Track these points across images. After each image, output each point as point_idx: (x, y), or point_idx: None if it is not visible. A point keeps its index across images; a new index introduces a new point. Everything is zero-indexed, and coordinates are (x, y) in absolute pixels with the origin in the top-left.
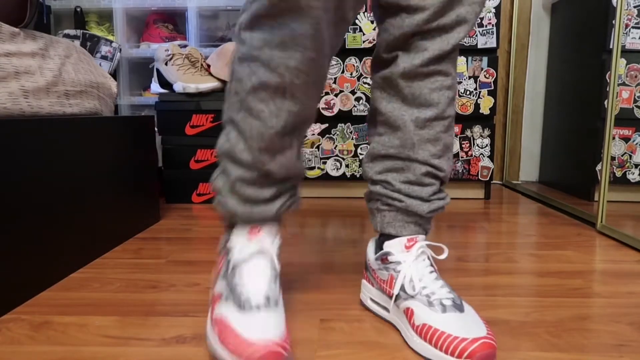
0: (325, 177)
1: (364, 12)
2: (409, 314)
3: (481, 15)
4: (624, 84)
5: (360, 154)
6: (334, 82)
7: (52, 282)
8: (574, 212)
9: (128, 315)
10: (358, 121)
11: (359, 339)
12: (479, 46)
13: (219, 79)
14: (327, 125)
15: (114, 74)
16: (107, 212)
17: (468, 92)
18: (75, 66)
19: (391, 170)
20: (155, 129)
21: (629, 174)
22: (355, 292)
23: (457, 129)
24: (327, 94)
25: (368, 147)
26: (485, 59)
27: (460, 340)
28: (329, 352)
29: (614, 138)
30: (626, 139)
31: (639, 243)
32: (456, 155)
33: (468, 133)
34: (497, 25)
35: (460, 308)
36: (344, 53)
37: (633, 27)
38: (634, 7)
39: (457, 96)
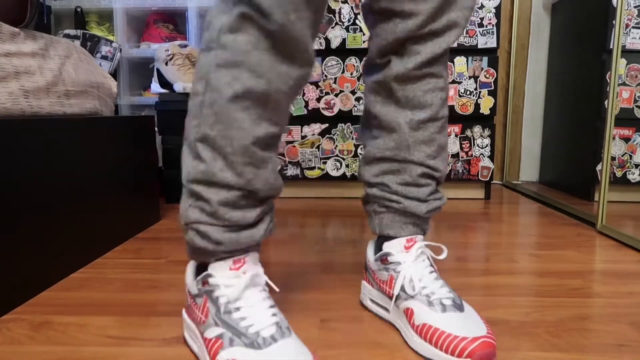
0: (325, 177)
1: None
2: (408, 314)
3: (481, 16)
4: (624, 84)
5: (360, 154)
6: (334, 82)
7: (52, 282)
8: (574, 212)
9: (128, 315)
10: (358, 121)
11: (359, 339)
12: (479, 46)
13: None
14: (327, 125)
15: (114, 74)
16: (107, 212)
17: (468, 92)
18: (75, 66)
19: (387, 172)
20: (155, 129)
21: (629, 174)
22: (355, 292)
23: (457, 129)
24: (327, 94)
25: (362, 150)
26: (485, 59)
27: (461, 339)
28: (329, 352)
29: (614, 138)
30: (626, 139)
31: (639, 243)
32: (456, 155)
33: (468, 133)
34: (497, 25)
35: (460, 308)
36: (344, 53)
37: (633, 27)
38: (634, 7)
39: (457, 96)
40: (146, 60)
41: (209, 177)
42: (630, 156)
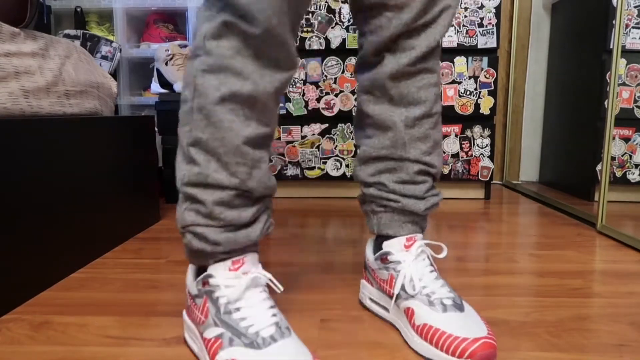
0: (325, 177)
1: None
2: (409, 313)
3: (481, 16)
4: (624, 84)
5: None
6: (334, 82)
7: (52, 282)
8: (574, 212)
9: (128, 315)
10: None
11: (359, 339)
12: (479, 46)
13: None
14: (327, 125)
15: (114, 74)
16: (107, 212)
17: (468, 92)
18: (75, 66)
19: (384, 171)
20: (155, 129)
21: (629, 174)
22: (355, 292)
23: (457, 129)
24: (327, 94)
25: (358, 151)
26: (485, 59)
27: (461, 340)
28: (329, 352)
29: (614, 138)
30: (626, 139)
31: (639, 243)
32: (456, 155)
33: (468, 133)
34: (497, 25)
35: (460, 308)
36: (344, 53)
37: (633, 27)
38: (634, 7)
39: (457, 96)
40: (146, 60)
41: (203, 178)
42: (630, 156)
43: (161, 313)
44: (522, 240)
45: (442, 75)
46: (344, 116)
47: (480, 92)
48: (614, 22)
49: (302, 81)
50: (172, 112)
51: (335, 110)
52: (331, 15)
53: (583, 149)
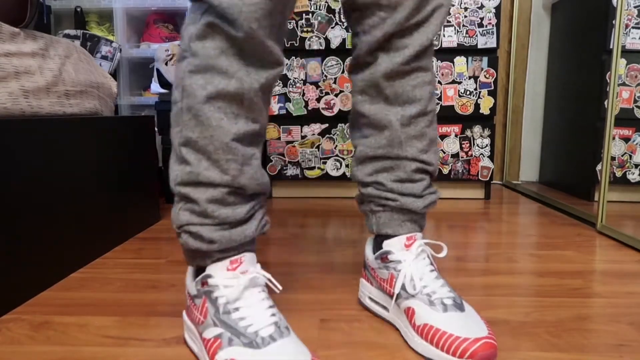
0: (325, 177)
1: None
2: (409, 313)
3: (481, 15)
4: (624, 84)
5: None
6: (334, 82)
7: (52, 282)
8: (574, 212)
9: (128, 315)
10: None
11: (359, 339)
12: (479, 46)
13: None
14: (327, 125)
15: (114, 74)
16: (107, 212)
17: (468, 92)
18: (75, 66)
19: (381, 170)
20: (155, 129)
21: (629, 174)
22: (355, 291)
23: (457, 129)
24: (327, 94)
25: (355, 151)
26: (485, 59)
27: (462, 340)
28: (329, 352)
29: (614, 138)
30: (626, 139)
31: (639, 243)
32: (456, 155)
33: (468, 133)
34: (497, 25)
35: (460, 307)
36: (344, 53)
37: (633, 27)
38: (634, 7)
39: (457, 96)
40: (146, 60)
41: (195, 177)
42: (630, 156)
43: (161, 313)
44: (522, 240)
45: (442, 75)
46: (344, 116)
47: (480, 92)
48: (614, 22)
49: (302, 81)
50: None
51: (335, 110)
52: (331, 15)
53: (583, 149)
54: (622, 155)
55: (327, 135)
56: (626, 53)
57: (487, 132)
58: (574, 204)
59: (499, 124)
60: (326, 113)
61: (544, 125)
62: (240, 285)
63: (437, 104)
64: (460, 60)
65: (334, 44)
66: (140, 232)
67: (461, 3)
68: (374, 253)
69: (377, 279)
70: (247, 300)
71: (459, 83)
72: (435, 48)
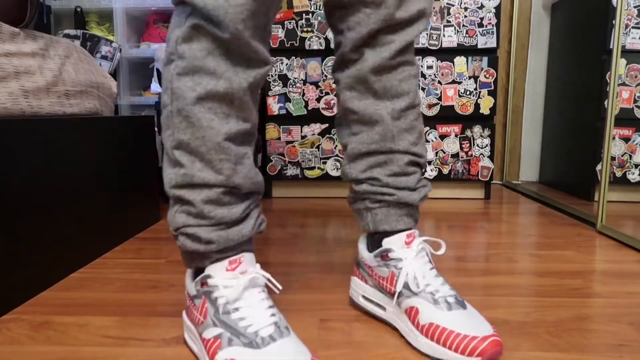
0: (325, 177)
1: None
2: (412, 313)
3: (481, 15)
4: (624, 84)
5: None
6: (335, 82)
7: (52, 282)
8: (574, 212)
9: (128, 315)
10: None
11: (359, 339)
12: (479, 46)
13: None
14: (327, 125)
15: (114, 74)
16: (107, 212)
17: (468, 92)
18: (75, 66)
19: (375, 165)
20: (155, 129)
21: (629, 174)
22: None
23: (457, 129)
24: (327, 94)
25: (346, 149)
26: (485, 59)
27: (471, 338)
28: (329, 352)
29: (614, 138)
30: (626, 139)
31: (639, 243)
32: (456, 155)
33: (468, 133)
34: (497, 25)
35: (463, 305)
36: None
37: (633, 27)
38: (634, 7)
39: (457, 96)
40: (146, 60)
41: (189, 179)
42: (630, 156)
43: (161, 313)
44: (522, 240)
45: (442, 75)
46: None
47: (480, 92)
48: (614, 22)
49: (302, 81)
50: None
51: (335, 110)
52: None
53: (583, 149)
54: (622, 155)
55: (327, 135)
56: (626, 53)
57: (487, 132)
58: (574, 204)
59: (499, 124)
60: (326, 113)
61: (544, 125)
62: (239, 286)
63: (437, 104)
64: (460, 60)
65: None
66: (140, 232)
67: (461, 3)
68: (370, 251)
69: (375, 277)
70: (247, 301)
71: (459, 83)
72: (435, 48)
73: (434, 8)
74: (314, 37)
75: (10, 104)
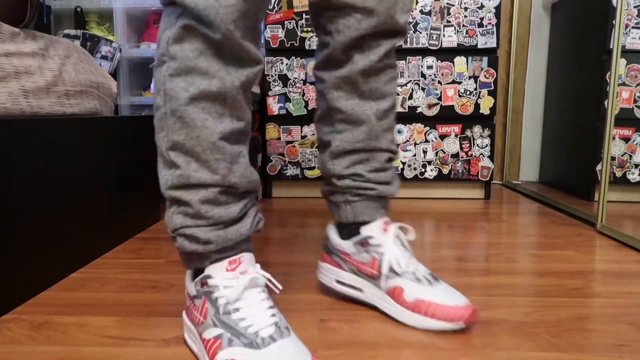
0: None
1: None
2: (396, 292)
3: (481, 15)
4: (624, 84)
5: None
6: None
7: (52, 282)
8: (574, 212)
9: (128, 315)
10: None
11: (359, 339)
12: (479, 46)
13: None
14: None
15: (114, 74)
16: (107, 212)
17: (468, 92)
18: (75, 66)
19: (357, 162)
20: None
21: (629, 174)
22: None
23: (457, 129)
24: None
25: (330, 145)
26: (485, 59)
27: (454, 308)
28: (329, 352)
29: (614, 138)
30: (626, 139)
31: (639, 243)
32: (456, 155)
33: (468, 133)
34: (497, 25)
35: (438, 280)
36: None
37: (633, 27)
38: (634, 7)
39: (457, 96)
40: (146, 60)
41: (185, 180)
42: (630, 156)
43: (161, 313)
44: (522, 240)
45: (442, 75)
46: None
47: (480, 92)
48: (614, 22)
49: (302, 81)
50: None
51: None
52: None
53: (583, 149)
54: (622, 155)
55: None
56: (626, 53)
57: (487, 132)
58: (574, 204)
59: (499, 124)
60: None
61: (544, 125)
62: (240, 286)
63: (437, 104)
64: (460, 60)
65: None
66: (140, 232)
67: (461, 3)
68: (344, 239)
69: (353, 262)
70: (247, 301)
71: (459, 83)
72: (435, 48)
73: (433, 8)
74: (314, 37)
75: (10, 104)
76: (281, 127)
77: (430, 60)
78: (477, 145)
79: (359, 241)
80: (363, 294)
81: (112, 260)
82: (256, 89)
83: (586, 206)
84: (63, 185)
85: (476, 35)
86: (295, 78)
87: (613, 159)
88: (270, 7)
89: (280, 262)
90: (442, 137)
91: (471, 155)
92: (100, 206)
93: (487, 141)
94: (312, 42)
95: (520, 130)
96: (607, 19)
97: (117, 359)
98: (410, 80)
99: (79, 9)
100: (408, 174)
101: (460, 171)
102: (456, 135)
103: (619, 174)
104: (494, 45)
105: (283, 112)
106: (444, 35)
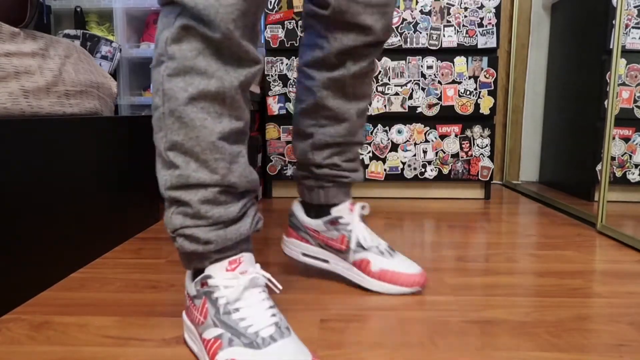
0: None
1: None
2: (363, 264)
3: (481, 15)
4: (624, 84)
5: (360, 153)
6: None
7: (52, 282)
8: (574, 212)
9: (128, 315)
10: None
11: (359, 339)
12: (479, 46)
13: None
14: None
15: (114, 74)
16: (107, 212)
17: (468, 92)
18: (75, 66)
19: (336, 154)
20: None
21: (629, 174)
22: (356, 292)
23: (457, 129)
24: None
25: (312, 137)
26: (485, 59)
27: (411, 275)
28: (329, 352)
29: (614, 138)
30: (626, 139)
31: (639, 243)
32: (456, 155)
33: (468, 133)
34: (497, 25)
35: (395, 252)
36: None
37: (633, 27)
38: (634, 7)
39: (457, 96)
40: (146, 60)
41: (184, 180)
42: (630, 156)
43: (161, 313)
44: (522, 240)
45: (442, 75)
46: None
47: (480, 92)
48: (614, 22)
49: None
50: None
51: None
52: None
53: (583, 149)
54: (622, 155)
55: None
56: (626, 53)
57: (487, 132)
58: (574, 204)
59: (499, 124)
60: None
61: (544, 125)
62: (240, 286)
63: (437, 104)
64: (460, 60)
65: None
66: (140, 232)
67: (461, 3)
68: (312, 218)
69: (322, 239)
70: (248, 301)
71: (459, 83)
72: (435, 48)
73: (433, 8)
74: None
75: (10, 104)
76: (281, 127)
77: (430, 60)
78: (477, 145)
79: (329, 220)
80: (329, 264)
81: (112, 260)
82: (256, 89)
83: (586, 206)
84: (63, 185)
85: (476, 35)
86: (295, 78)
87: (613, 159)
88: (270, 7)
89: (280, 262)
90: (442, 137)
91: (471, 155)
92: (100, 206)
93: (487, 141)
94: None
95: (520, 130)
96: (607, 19)
97: (117, 359)
98: (410, 80)
99: (79, 9)
100: (408, 174)
101: (460, 171)
102: (456, 135)
103: (619, 174)
104: (494, 45)
105: (283, 112)
106: (444, 35)
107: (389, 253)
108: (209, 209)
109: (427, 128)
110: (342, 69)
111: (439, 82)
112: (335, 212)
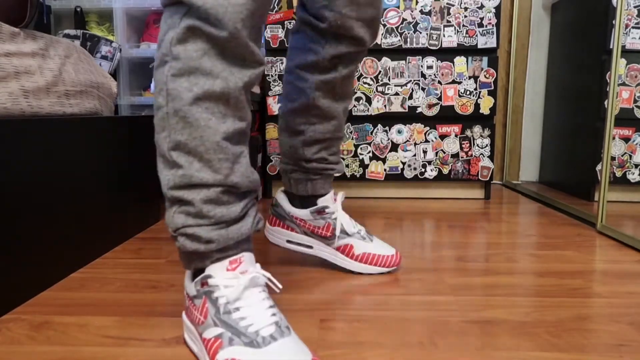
0: None
1: None
2: (347, 249)
3: (481, 15)
4: (624, 84)
5: (360, 153)
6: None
7: (52, 282)
8: (574, 212)
9: (128, 315)
10: (358, 121)
11: (359, 339)
12: (479, 46)
13: None
14: None
15: (114, 74)
16: (107, 212)
17: (468, 92)
18: (75, 66)
19: (324, 149)
20: None
21: (629, 174)
22: (356, 292)
23: (457, 129)
24: None
25: (303, 134)
26: (485, 59)
27: (388, 256)
28: (329, 352)
29: (614, 138)
30: (626, 139)
31: (639, 243)
32: (456, 155)
33: (468, 133)
34: (497, 25)
35: (372, 236)
36: None
37: (633, 27)
38: (634, 7)
39: (457, 96)
40: (146, 60)
41: (187, 180)
42: (630, 156)
43: (161, 313)
44: (522, 240)
45: (442, 75)
46: None
47: (480, 92)
48: (614, 22)
49: None
50: None
51: None
52: None
53: (583, 149)
54: (622, 155)
55: None
56: (626, 53)
57: (487, 132)
58: (574, 204)
59: (499, 124)
60: None
61: (544, 125)
62: (240, 285)
63: (437, 104)
64: (460, 60)
65: None
66: (140, 232)
67: (461, 3)
68: (298, 207)
69: (308, 227)
70: (248, 300)
71: (459, 83)
72: (435, 48)
73: (433, 8)
74: None
75: (10, 104)
76: None
77: (430, 60)
78: (477, 145)
79: (316, 210)
80: (313, 250)
81: (112, 260)
82: (256, 89)
83: (586, 206)
84: (63, 185)
85: (476, 35)
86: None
87: (613, 159)
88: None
89: (280, 262)
90: (442, 137)
91: (471, 155)
92: (100, 206)
93: (487, 141)
94: None
95: (520, 130)
96: (607, 19)
97: (117, 359)
98: (410, 80)
99: (79, 9)
100: (408, 174)
101: (460, 171)
102: (456, 135)
103: (619, 174)
104: (494, 45)
105: None
106: (444, 35)
107: (369, 238)
108: (211, 209)
109: (427, 128)
110: (334, 72)
111: (439, 82)
112: (321, 202)
